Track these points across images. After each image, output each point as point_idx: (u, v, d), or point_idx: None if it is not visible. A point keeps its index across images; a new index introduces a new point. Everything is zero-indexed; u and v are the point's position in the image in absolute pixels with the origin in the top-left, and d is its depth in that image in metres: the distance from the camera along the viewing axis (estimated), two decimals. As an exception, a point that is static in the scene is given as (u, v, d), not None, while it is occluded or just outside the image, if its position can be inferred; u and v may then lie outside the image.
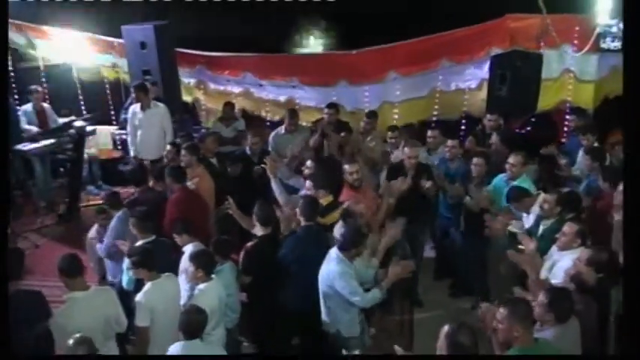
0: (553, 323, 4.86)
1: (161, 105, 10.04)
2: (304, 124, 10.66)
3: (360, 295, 5.93)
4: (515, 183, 7.41)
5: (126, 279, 6.57)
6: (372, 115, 9.86)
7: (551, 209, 6.60)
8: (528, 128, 10.84)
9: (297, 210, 6.56)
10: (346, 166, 7.53)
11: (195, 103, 12.29)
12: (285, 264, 6.38)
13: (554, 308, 4.84)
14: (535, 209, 6.83)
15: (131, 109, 10.07)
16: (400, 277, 6.22)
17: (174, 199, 7.58)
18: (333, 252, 6.06)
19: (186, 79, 11.91)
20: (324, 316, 6.24)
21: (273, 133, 9.77)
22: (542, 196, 6.79)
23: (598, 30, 9.59)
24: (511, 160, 7.51)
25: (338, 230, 6.56)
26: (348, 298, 5.95)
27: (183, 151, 8.33)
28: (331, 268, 5.98)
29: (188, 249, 6.44)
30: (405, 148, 8.07)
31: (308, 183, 7.31)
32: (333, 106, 9.99)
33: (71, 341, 4.74)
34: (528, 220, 6.97)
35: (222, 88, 11.87)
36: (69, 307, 5.51)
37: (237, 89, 11.74)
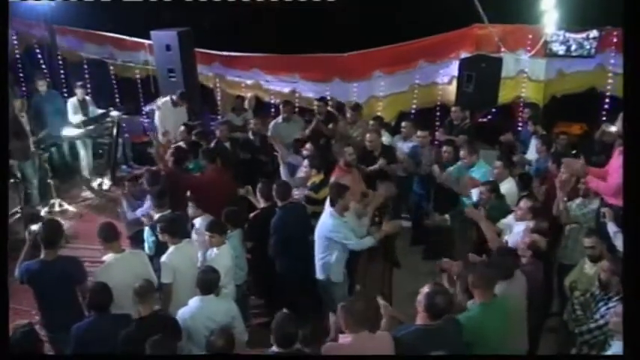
0: (500, 279, 4.93)
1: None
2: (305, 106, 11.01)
3: (354, 240, 6.09)
4: (473, 169, 7.56)
5: (147, 246, 6.65)
6: (356, 107, 9.90)
7: (487, 198, 6.81)
8: (489, 117, 10.94)
9: (274, 194, 6.63)
10: (345, 149, 7.75)
11: (215, 89, 12.28)
12: (275, 235, 6.50)
13: (495, 266, 4.99)
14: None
15: (159, 103, 10.16)
16: (391, 232, 6.48)
17: (211, 176, 7.68)
18: (327, 210, 6.23)
19: (206, 72, 11.93)
20: (317, 266, 6.37)
21: (272, 122, 9.80)
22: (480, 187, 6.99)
23: (545, 38, 9.69)
24: (461, 154, 7.67)
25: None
26: (344, 243, 6.09)
27: (194, 137, 8.59)
28: (326, 221, 6.16)
29: (198, 221, 6.57)
30: (367, 134, 8.32)
31: (305, 162, 7.40)
32: (322, 99, 10.11)
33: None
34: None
35: (236, 79, 11.86)
36: (107, 266, 5.64)
37: (248, 81, 11.75)
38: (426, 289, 4.40)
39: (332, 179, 7.25)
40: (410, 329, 4.44)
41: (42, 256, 5.57)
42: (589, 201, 6.44)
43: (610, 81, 9.88)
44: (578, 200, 6.54)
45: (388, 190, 6.95)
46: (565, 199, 6.41)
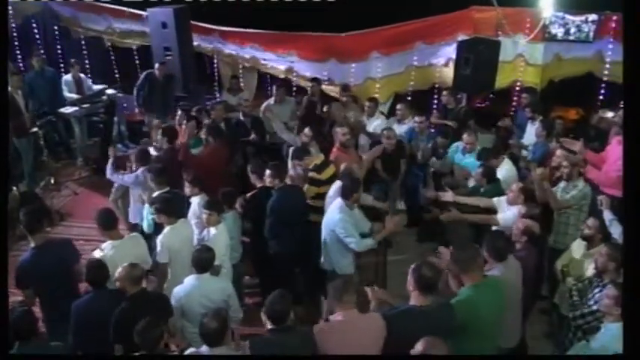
0: (493, 262, 4.97)
1: None
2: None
3: (356, 240, 6.00)
4: (471, 154, 7.64)
5: (146, 224, 6.77)
6: (346, 88, 10.00)
7: (482, 183, 6.96)
8: (487, 102, 10.98)
9: (268, 175, 6.60)
10: (338, 129, 7.74)
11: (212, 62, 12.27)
12: (272, 216, 6.51)
13: (489, 249, 4.97)
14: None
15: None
16: (394, 231, 6.40)
17: (212, 151, 7.81)
18: (337, 202, 6.17)
19: (204, 44, 11.85)
20: (322, 258, 6.37)
21: (265, 104, 9.85)
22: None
23: (543, 22, 9.74)
24: (465, 138, 7.71)
25: (333, 189, 6.67)
26: (345, 241, 6.03)
27: (194, 113, 8.74)
28: (334, 215, 6.07)
29: (196, 200, 6.62)
30: (384, 131, 8.25)
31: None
32: (315, 80, 10.16)
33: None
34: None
35: (234, 53, 11.75)
36: (107, 254, 5.62)
37: (246, 56, 11.66)
38: (412, 266, 4.46)
39: (334, 161, 7.36)
40: (401, 308, 4.48)
41: (32, 244, 5.59)
42: (573, 183, 6.51)
43: (607, 66, 9.91)
44: (562, 184, 6.63)
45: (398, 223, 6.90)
46: (549, 188, 6.49)
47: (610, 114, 8.84)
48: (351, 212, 6.16)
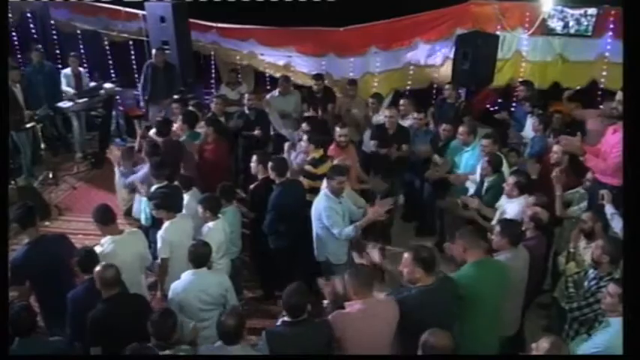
0: (507, 247, 5.09)
1: None
2: (299, 82, 10.91)
3: (339, 229, 6.03)
4: (468, 149, 7.60)
5: (143, 216, 6.76)
6: (352, 82, 10.03)
7: (487, 172, 6.88)
8: (496, 107, 10.89)
9: (270, 170, 6.59)
10: (337, 129, 7.71)
11: (210, 57, 12.16)
12: (273, 211, 6.49)
13: (505, 234, 5.10)
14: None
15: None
16: (377, 217, 6.31)
17: (214, 145, 7.80)
18: (323, 191, 6.22)
19: (202, 39, 11.75)
20: (315, 247, 6.39)
21: (269, 95, 9.88)
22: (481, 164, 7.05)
23: (542, 16, 9.71)
24: (460, 130, 7.69)
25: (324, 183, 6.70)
26: (329, 229, 6.09)
27: (191, 107, 8.66)
28: (320, 203, 6.14)
29: (186, 196, 6.62)
30: (386, 110, 8.36)
31: (305, 137, 7.43)
32: (319, 77, 10.08)
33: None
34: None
35: (232, 47, 11.64)
36: (107, 249, 5.58)
37: (244, 50, 11.58)
38: (405, 255, 4.59)
39: (332, 156, 7.33)
40: (411, 291, 4.57)
41: (26, 239, 5.62)
42: (587, 195, 6.49)
43: (605, 67, 9.80)
44: (582, 190, 6.61)
45: (378, 186, 6.88)
46: (559, 192, 6.46)
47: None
48: (339, 200, 6.16)
